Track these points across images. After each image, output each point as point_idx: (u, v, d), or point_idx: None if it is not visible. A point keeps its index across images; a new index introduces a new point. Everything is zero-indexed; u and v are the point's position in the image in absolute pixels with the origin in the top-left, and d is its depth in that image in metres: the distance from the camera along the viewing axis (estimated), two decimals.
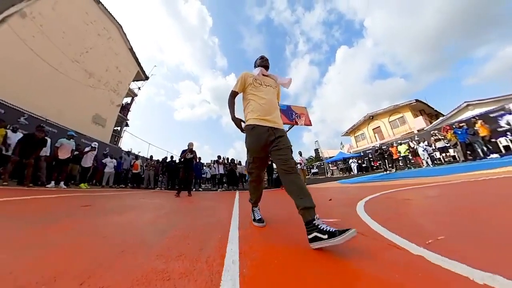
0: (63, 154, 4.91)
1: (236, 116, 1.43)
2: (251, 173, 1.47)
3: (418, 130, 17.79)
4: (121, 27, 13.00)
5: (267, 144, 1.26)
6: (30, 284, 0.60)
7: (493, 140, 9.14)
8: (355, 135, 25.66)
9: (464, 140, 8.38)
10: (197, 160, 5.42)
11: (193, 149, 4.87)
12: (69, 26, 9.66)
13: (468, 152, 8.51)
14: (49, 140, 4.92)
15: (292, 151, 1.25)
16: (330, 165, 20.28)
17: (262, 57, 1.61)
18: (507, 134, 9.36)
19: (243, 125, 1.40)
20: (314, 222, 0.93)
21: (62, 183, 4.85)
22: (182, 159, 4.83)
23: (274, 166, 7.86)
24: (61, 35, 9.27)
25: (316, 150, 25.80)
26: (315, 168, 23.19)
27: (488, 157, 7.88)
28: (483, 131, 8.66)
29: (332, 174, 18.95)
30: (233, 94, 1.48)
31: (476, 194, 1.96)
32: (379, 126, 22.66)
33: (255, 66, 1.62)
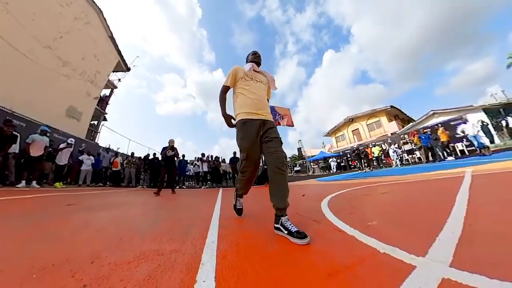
0: (35, 151, 4.63)
1: (227, 112, 1.44)
2: (243, 172, 1.42)
3: (391, 134, 19.46)
4: (101, 11, 12.10)
5: (259, 136, 1.28)
6: (48, 265, 0.76)
7: (451, 145, 10.47)
8: (336, 136, 27.10)
9: (426, 144, 9.49)
10: (178, 157, 5.25)
11: (174, 146, 4.80)
12: (41, 7, 8.79)
13: (431, 154, 9.66)
14: (18, 136, 4.61)
15: (282, 143, 1.28)
16: (312, 163, 21.25)
17: (254, 53, 1.58)
18: (463, 140, 10.73)
19: (233, 122, 1.41)
20: (281, 218, 1.12)
21: (34, 182, 4.58)
22: (163, 157, 4.78)
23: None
24: (31, 16, 8.42)
25: (299, 149, 26.76)
26: (298, 166, 24.08)
27: (446, 160, 8.99)
28: (443, 137, 9.79)
29: (314, 172, 19.91)
30: (224, 89, 1.47)
31: (420, 191, 2.40)
32: (358, 128, 24.21)
33: (246, 62, 1.59)
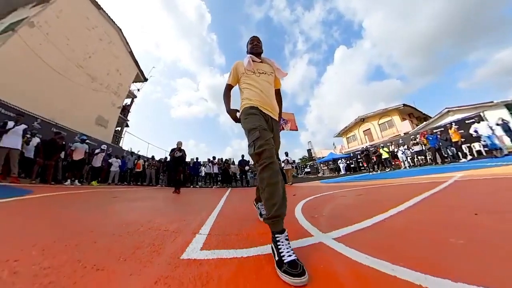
0: (77, 156, 5.64)
1: (232, 109, 1.32)
2: (261, 153, 0.93)
3: (404, 133, 18.87)
4: (121, 30, 13.55)
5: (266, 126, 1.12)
6: (118, 228, 1.40)
7: (467, 145, 9.98)
8: (347, 136, 26.70)
9: (434, 145, 9.36)
10: (185, 158, 5.37)
11: (182, 148, 4.99)
12: (73, 33, 10.24)
13: (439, 156, 9.49)
14: (65, 145, 5.65)
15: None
16: (321, 165, 21.28)
17: (252, 41, 1.41)
18: (480, 140, 10.06)
19: (238, 114, 1.25)
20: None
21: (76, 181, 5.59)
22: (172, 158, 5.03)
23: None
24: (66, 41, 9.86)
25: (309, 151, 26.78)
26: (308, 167, 24.17)
27: (459, 161, 8.72)
28: (455, 137, 9.33)
29: (323, 173, 19.96)
30: (228, 87, 1.39)
31: (392, 193, 2.80)
32: (369, 128, 23.69)
33: (247, 52, 1.45)
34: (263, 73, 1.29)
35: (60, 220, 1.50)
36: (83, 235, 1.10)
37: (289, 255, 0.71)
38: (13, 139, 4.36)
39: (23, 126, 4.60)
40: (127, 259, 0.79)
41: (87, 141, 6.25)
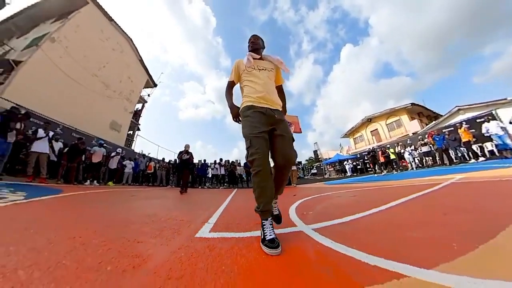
0: (96, 158, 6.16)
1: (234, 104, 1.37)
2: (252, 161, 1.08)
3: (413, 133, 18.43)
4: (131, 39, 14.33)
5: (265, 123, 1.15)
6: (140, 218, 1.72)
7: (478, 145, 9.60)
8: (354, 137, 26.35)
9: (440, 145, 9.22)
10: (193, 161, 5.62)
11: (189, 150, 5.20)
12: (89, 45, 11.02)
13: (446, 157, 9.32)
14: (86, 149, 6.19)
15: (293, 140, 1.22)
16: (328, 166, 21.19)
17: (249, 40, 1.46)
18: (492, 140, 9.63)
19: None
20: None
21: (95, 182, 6.10)
22: (179, 160, 5.23)
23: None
24: (83, 53, 10.63)
25: (315, 152, 26.68)
26: (314, 169, 24.10)
27: (469, 162, 8.47)
28: (465, 136, 9.02)
29: (330, 175, 19.87)
30: (230, 85, 1.43)
31: (384, 195, 2.98)
32: (376, 129, 23.26)
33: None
34: (263, 69, 1.33)
35: (96, 213, 1.85)
36: (119, 222, 1.42)
37: (270, 235, 0.95)
38: (42, 145, 4.90)
39: (51, 133, 5.13)
40: (157, 236, 1.10)
41: (104, 145, 6.78)
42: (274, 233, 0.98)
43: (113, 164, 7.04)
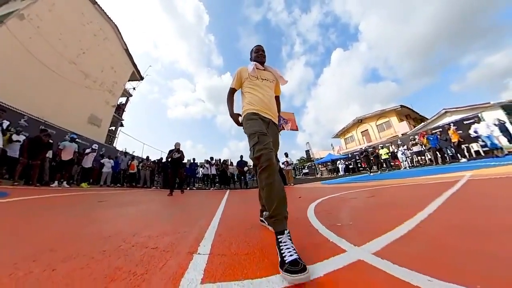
0: (66, 156, 5.30)
1: (235, 112, 1.41)
2: (259, 157, 0.99)
3: (402, 134, 18.93)
4: (117, 27, 13.17)
5: (269, 134, 1.19)
6: (109, 235, 1.14)
7: (465, 145, 10.04)
8: (345, 137, 26.73)
9: (435, 145, 9.30)
10: (183, 160, 5.44)
11: (180, 149, 5.00)
12: (66, 28, 9.84)
13: (440, 156, 9.43)
14: (52, 143, 5.29)
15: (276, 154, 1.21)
16: (320, 166, 21.16)
17: (257, 50, 1.50)
18: (478, 141, 10.12)
19: (240, 119, 1.34)
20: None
21: (65, 183, 5.24)
22: (170, 159, 4.95)
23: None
24: (58, 36, 9.45)
25: (307, 152, 26.68)
26: (306, 168, 24.04)
27: (460, 161, 8.72)
28: (454, 137, 9.36)
29: (322, 174, 19.83)
30: (231, 91, 1.47)
31: (407, 195, 2.59)
32: (367, 129, 23.75)
33: (250, 59, 1.54)
34: (265, 79, 1.37)
35: (29, 229, 1.22)
36: (42, 255, 0.83)
37: (291, 255, 0.70)
38: None
39: (6, 123, 4.26)
40: None
41: (77, 140, 5.89)
42: (295, 252, 0.73)
43: (87, 162, 6.14)
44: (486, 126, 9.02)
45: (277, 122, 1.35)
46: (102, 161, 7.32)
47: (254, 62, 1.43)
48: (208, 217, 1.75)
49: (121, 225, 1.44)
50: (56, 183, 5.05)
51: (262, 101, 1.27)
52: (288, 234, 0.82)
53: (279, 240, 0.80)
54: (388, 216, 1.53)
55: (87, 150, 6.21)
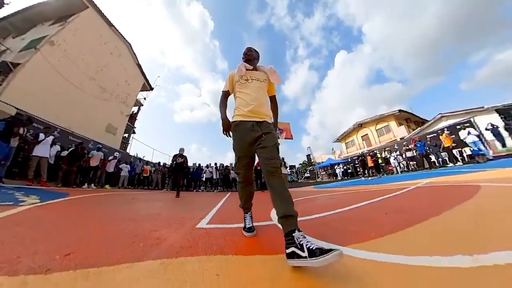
0: (94, 162, 6.37)
1: (227, 117, 1.41)
2: (238, 174, 1.37)
3: (400, 138, 19.35)
4: (130, 45, 14.56)
5: (252, 142, 1.21)
6: (143, 218, 2.07)
7: (458, 149, 10.11)
8: (346, 142, 27.19)
9: (421, 151, 9.90)
10: (187, 164, 5.62)
11: (184, 154, 5.24)
12: (87, 48, 11.19)
13: (427, 162, 9.99)
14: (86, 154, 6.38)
15: (278, 150, 1.20)
16: (320, 170, 21.79)
17: (245, 51, 1.49)
18: (470, 145, 10.30)
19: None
20: (293, 234, 0.85)
21: (92, 185, 6.29)
22: (174, 163, 5.24)
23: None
24: (81, 57, 10.79)
25: (308, 156, 27.30)
26: (307, 172, 24.66)
27: (448, 166, 9.08)
28: (447, 142, 9.63)
29: (322, 178, 20.45)
30: (224, 95, 1.48)
31: (355, 198, 3.40)
32: (367, 134, 24.14)
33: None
34: (255, 79, 1.37)
35: (110, 212, 2.17)
36: (134, 219, 1.76)
37: (249, 224, 1.35)
38: (43, 149, 5.10)
39: (51, 137, 5.35)
40: (167, 227, 1.46)
41: (102, 148, 6.99)
42: (252, 223, 1.37)
43: (110, 167, 7.24)
44: (467, 133, 9.28)
45: (267, 121, 1.29)
46: (120, 166, 8.40)
47: (242, 63, 1.44)
48: (211, 208, 2.67)
49: (157, 209, 2.39)
50: (86, 185, 6.10)
51: (248, 103, 1.27)
52: (250, 214, 1.40)
53: (245, 216, 1.39)
54: (318, 210, 2.38)
55: (110, 157, 7.32)
